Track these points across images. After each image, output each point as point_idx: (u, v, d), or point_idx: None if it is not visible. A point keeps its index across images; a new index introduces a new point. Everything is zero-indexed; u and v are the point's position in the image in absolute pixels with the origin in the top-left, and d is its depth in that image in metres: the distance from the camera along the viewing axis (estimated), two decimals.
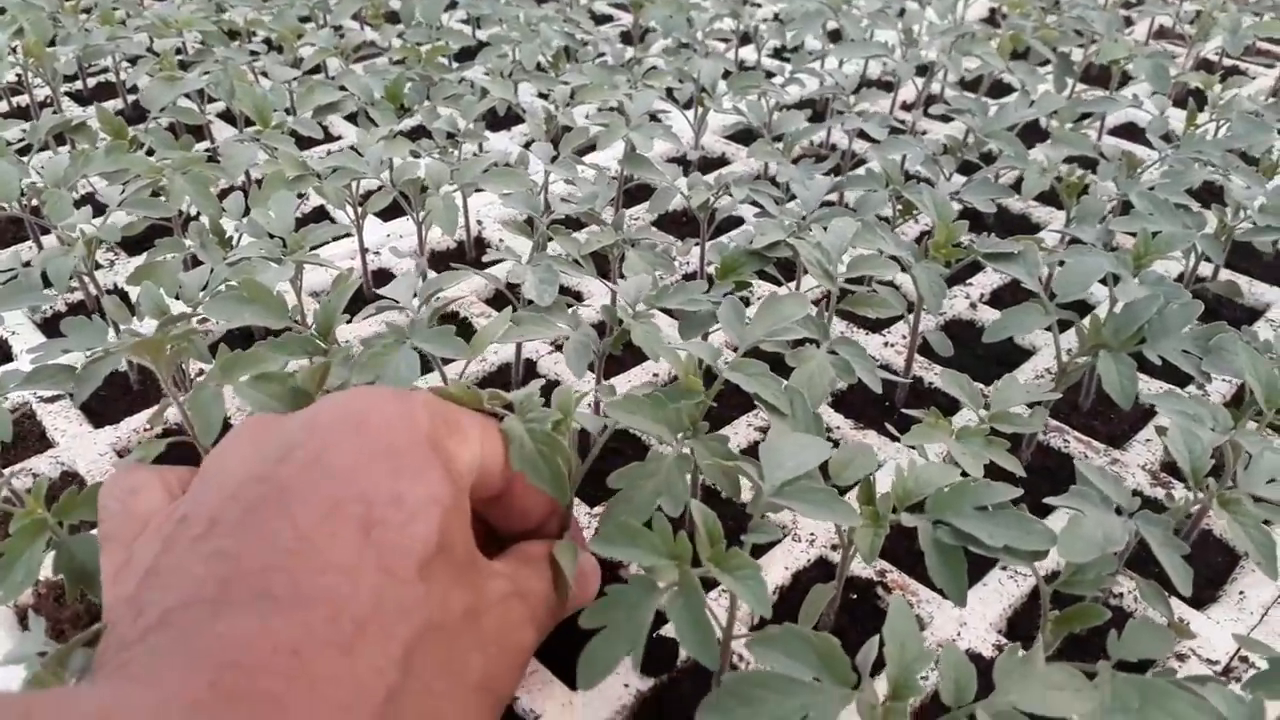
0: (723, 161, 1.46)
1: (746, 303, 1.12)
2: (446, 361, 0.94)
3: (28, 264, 1.08)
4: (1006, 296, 1.16)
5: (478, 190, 1.15)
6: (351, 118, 1.50)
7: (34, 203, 1.13)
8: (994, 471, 0.70)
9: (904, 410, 0.93)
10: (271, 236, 0.99)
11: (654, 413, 0.70)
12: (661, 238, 1.01)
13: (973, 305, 1.13)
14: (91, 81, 1.73)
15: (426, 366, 0.78)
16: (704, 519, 0.61)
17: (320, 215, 1.33)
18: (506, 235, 1.27)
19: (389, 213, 1.25)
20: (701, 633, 0.57)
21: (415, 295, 0.81)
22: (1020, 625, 0.80)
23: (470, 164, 1.04)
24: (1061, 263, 0.93)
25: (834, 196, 1.29)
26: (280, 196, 1.03)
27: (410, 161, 1.06)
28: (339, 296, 0.84)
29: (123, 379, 1.06)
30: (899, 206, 1.06)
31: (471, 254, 1.26)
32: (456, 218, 1.00)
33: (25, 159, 1.23)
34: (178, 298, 0.93)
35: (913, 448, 0.77)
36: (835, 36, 1.59)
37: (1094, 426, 0.97)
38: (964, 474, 0.69)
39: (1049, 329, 0.86)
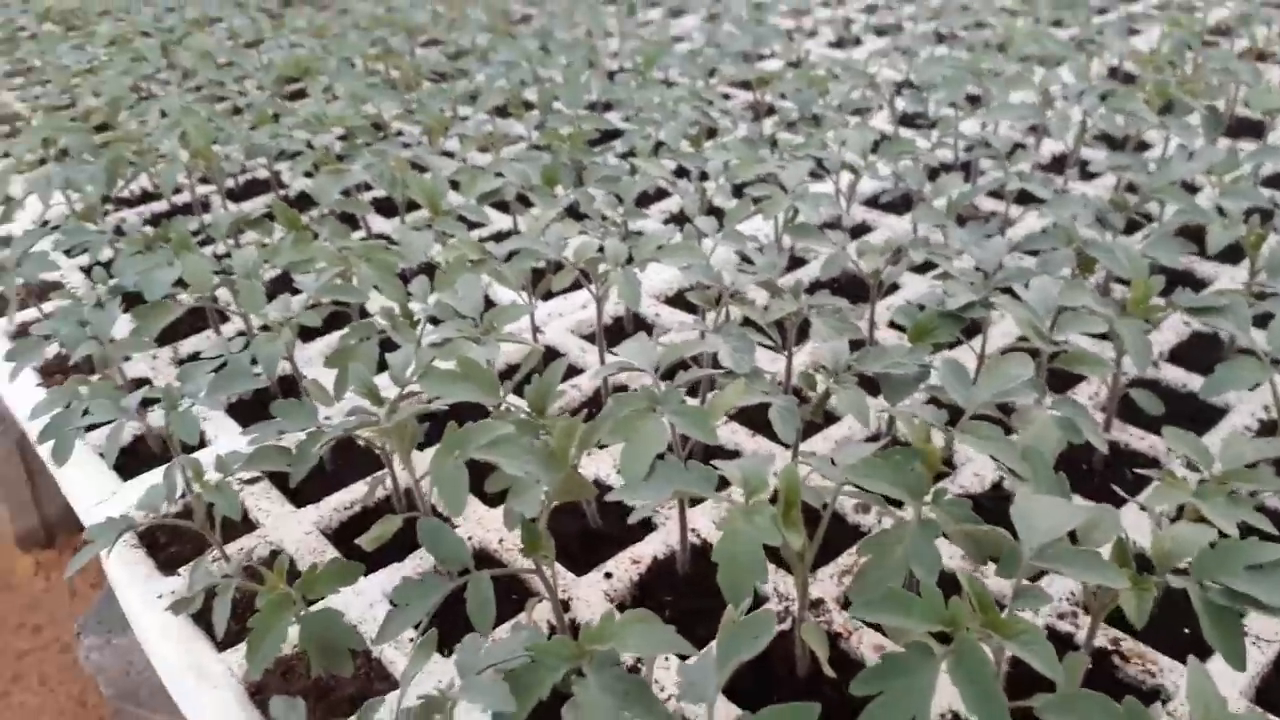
0: (865, 229, 1.46)
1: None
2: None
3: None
4: (1184, 353, 1.14)
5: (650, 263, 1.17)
6: (501, 206, 1.55)
7: (214, 294, 1.19)
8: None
9: (1104, 471, 0.91)
10: (462, 318, 1.02)
11: (893, 475, 0.69)
12: (839, 303, 1.02)
13: (1154, 364, 1.11)
14: (243, 179, 1.82)
15: None
16: (971, 585, 0.60)
17: (487, 300, 1.36)
18: (662, 309, 1.29)
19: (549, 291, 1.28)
20: (990, 698, 0.55)
21: (657, 367, 0.82)
22: (1270, 693, 0.76)
23: (647, 240, 1.06)
24: (1269, 315, 0.91)
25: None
26: (467, 279, 1.06)
27: (588, 240, 1.09)
28: (552, 373, 0.86)
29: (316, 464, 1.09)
30: (1076, 266, 1.05)
31: (629, 329, 1.28)
32: (639, 292, 1.02)
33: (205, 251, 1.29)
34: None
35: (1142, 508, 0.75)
36: (971, 101, 1.60)
37: None
38: (1221, 534, 0.67)
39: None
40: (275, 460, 0.90)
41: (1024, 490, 0.69)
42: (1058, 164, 1.59)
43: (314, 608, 0.76)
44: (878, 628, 0.79)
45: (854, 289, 1.27)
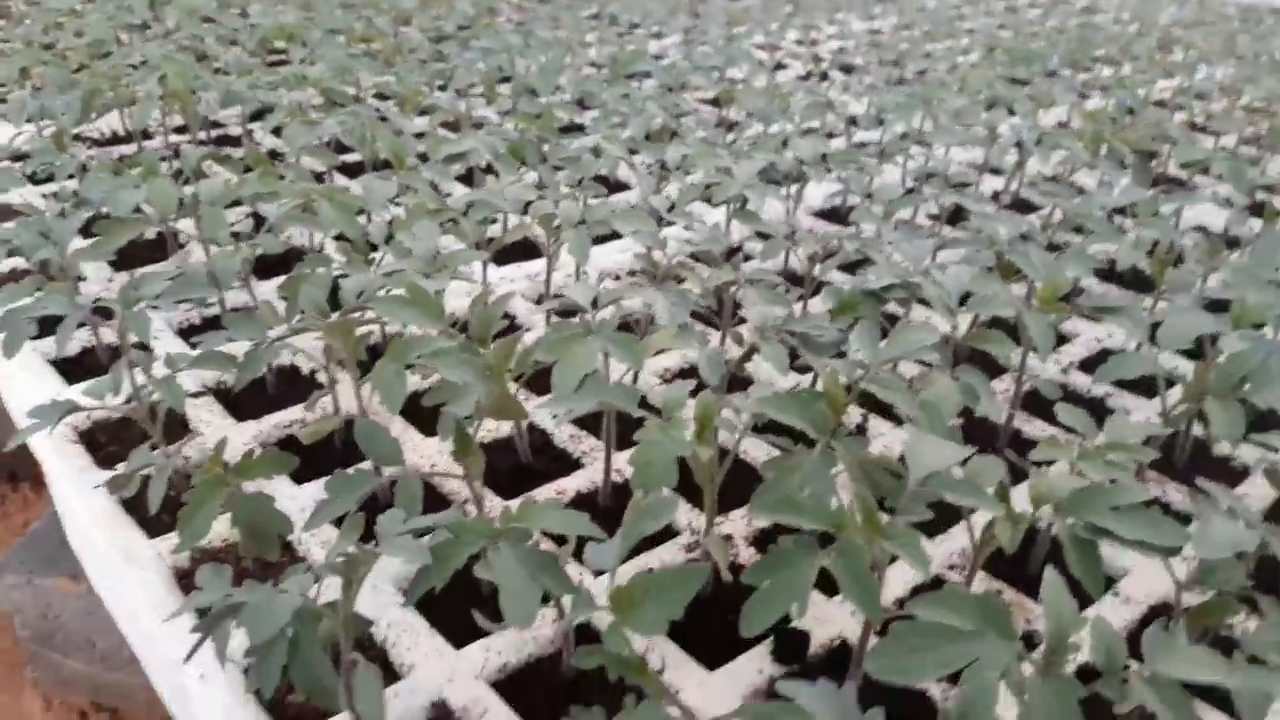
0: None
1: None
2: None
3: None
4: (1096, 363, 1.22)
5: (598, 240, 1.23)
6: (466, 179, 1.59)
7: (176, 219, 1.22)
8: None
9: (1005, 453, 0.97)
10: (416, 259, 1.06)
11: (801, 410, 0.75)
12: (774, 279, 1.09)
13: (1064, 370, 1.19)
14: (214, 133, 1.85)
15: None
16: (860, 499, 0.66)
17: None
18: (610, 285, 1.35)
19: (503, 258, 1.33)
20: (865, 587, 0.61)
21: (594, 302, 0.87)
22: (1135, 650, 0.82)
23: (600, 206, 1.12)
24: (1157, 324, 0.99)
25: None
26: (424, 225, 1.11)
27: (544, 201, 1.15)
28: (495, 305, 0.91)
29: (259, 384, 1.12)
30: (999, 270, 1.12)
31: None
32: (588, 249, 1.08)
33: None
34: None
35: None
36: (921, 134, 1.69)
37: (1191, 482, 1.01)
38: None
39: (1154, 383, 0.91)
40: (221, 364, 0.94)
41: (916, 434, 0.75)
42: (997, 199, 1.69)
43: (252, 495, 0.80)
44: None
45: (792, 284, 1.34)
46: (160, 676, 0.85)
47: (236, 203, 1.28)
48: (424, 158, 1.41)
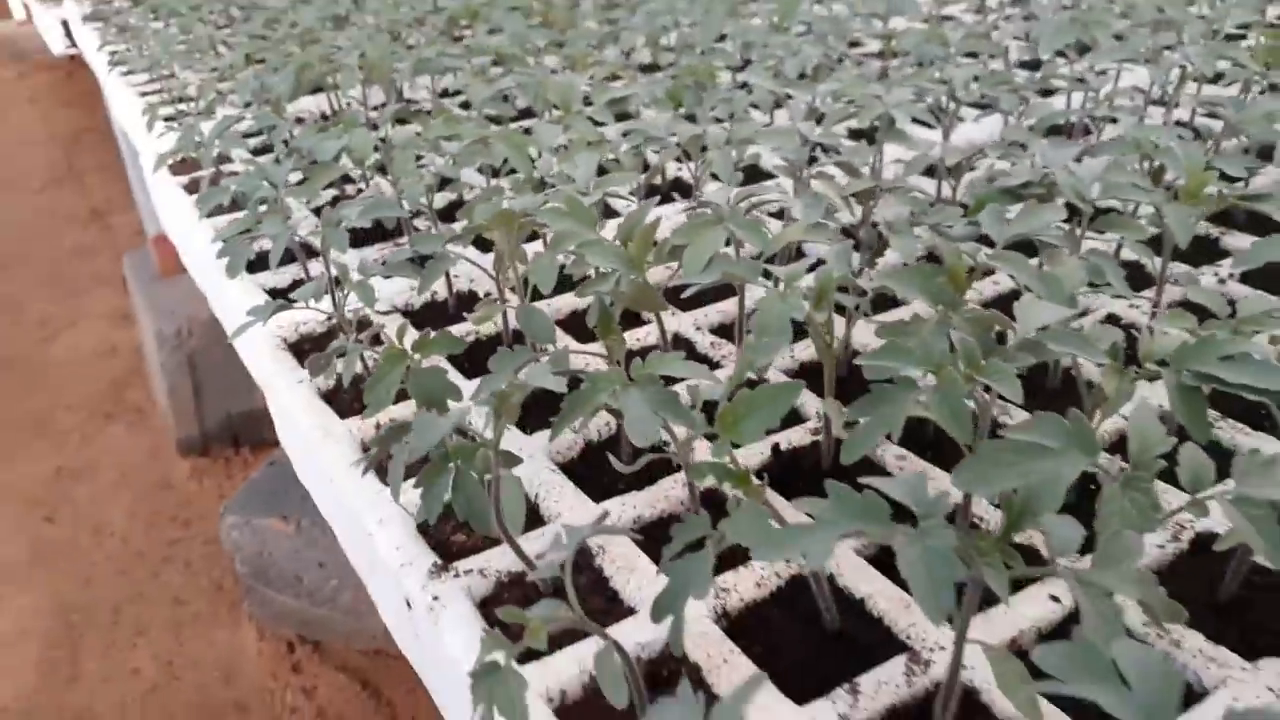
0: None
1: None
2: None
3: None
4: (1256, 279, 1.18)
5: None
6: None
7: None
8: None
9: None
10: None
11: (921, 282, 0.79)
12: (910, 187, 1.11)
13: (1221, 281, 1.15)
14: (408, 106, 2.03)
15: None
16: (963, 343, 0.70)
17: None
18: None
19: (661, 200, 1.42)
20: (958, 414, 0.65)
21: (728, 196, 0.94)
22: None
23: (743, 125, 1.18)
24: None
25: None
26: (583, 155, 1.21)
27: (692, 128, 1.22)
28: (642, 209, 0.99)
29: (440, 306, 1.26)
30: (1149, 172, 1.11)
31: None
32: (732, 166, 1.14)
33: None
34: None
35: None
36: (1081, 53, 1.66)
37: None
38: None
39: None
40: (407, 271, 1.07)
41: (1029, 297, 0.78)
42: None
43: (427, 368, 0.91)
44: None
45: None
46: (347, 528, 0.98)
47: (420, 159, 1.43)
48: (588, 102, 1.51)
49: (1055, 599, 0.73)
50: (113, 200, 4.69)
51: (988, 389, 0.70)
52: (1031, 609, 0.72)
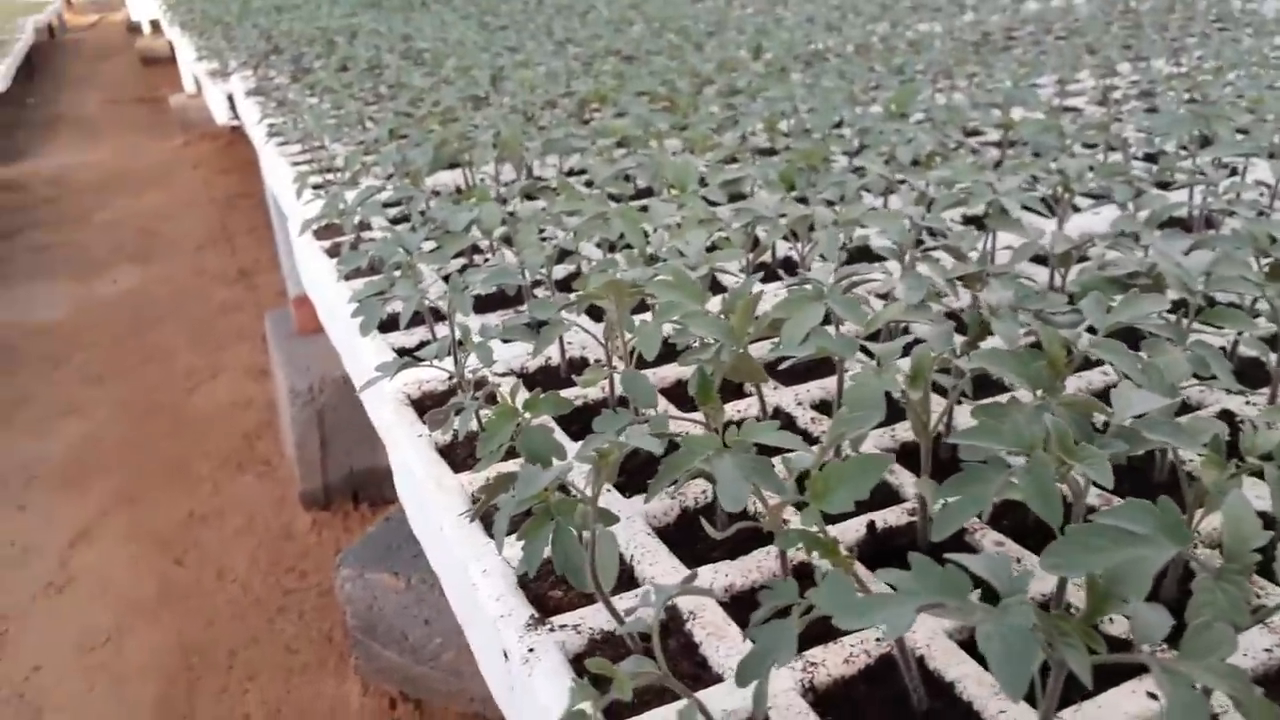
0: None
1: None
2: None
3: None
4: None
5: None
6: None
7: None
8: None
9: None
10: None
11: (1020, 367, 0.81)
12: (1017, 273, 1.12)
13: None
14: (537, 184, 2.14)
15: None
16: (1056, 425, 0.71)
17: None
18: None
19: (769, 278, 1.46)
20: (1049, 497, 0.66)
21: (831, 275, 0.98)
22: None
23: (854, 207, 1.22)
24: None
25: None
26: (694, 233, 1.26)
27: (801, 208, 1.26)
28: (746, 284, 1.04)
29: (553, 371, 1.32)
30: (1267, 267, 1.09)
31: None
32: (837, 245, 1.17)
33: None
34: None
35: None
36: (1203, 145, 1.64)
37: None
38: None
39: None
40: (524, 335, 1.13)
41: (1126, 385, 0.78)
42: None
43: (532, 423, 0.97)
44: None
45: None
46: (453, 579, 1.03)
47: (543, 232, 1.51)
48: (704, 183, 1.57)
49: (1153, 696, 0.72)
50: (259, 261, 5.00)
51: (1082, 476, 0.70)
52: (1130, 704, 0.71)
